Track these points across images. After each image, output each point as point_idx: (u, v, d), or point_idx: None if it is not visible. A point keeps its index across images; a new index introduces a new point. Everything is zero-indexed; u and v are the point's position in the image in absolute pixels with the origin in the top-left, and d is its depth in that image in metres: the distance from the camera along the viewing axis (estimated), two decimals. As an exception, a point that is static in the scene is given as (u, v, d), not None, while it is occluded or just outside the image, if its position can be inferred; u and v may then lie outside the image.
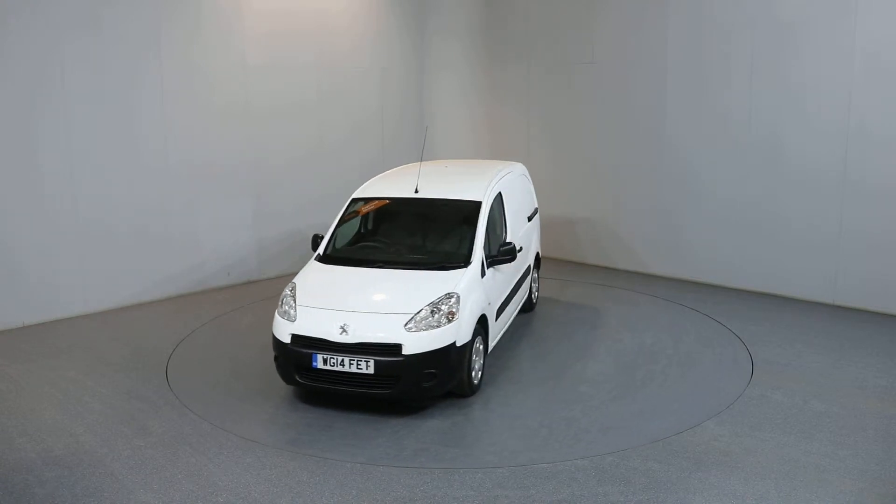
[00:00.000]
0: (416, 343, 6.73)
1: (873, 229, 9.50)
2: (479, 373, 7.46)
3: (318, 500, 5.64)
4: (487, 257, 7.75)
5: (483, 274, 7.61)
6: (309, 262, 8.05)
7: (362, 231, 8.57)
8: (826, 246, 9.90)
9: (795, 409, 7.04)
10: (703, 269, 11.13)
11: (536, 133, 12.78)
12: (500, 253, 7.91)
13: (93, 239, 9.91)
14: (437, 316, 6.87)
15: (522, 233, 9.15)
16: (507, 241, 8.19)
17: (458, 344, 6.91)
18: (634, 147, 11.56)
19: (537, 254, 10.11)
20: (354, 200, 8.59)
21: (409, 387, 6.78)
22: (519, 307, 9.19)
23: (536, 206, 10.26)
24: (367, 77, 12.72)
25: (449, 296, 7.03)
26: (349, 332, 6.81)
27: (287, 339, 7.04)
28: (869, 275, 9.62)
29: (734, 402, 7.20)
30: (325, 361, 6.84)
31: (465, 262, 7.53)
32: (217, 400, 7.44)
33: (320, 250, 8.13)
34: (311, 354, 6.88)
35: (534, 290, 9.98)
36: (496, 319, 7.91)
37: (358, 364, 6.75)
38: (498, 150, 13.17)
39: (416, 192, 8.33)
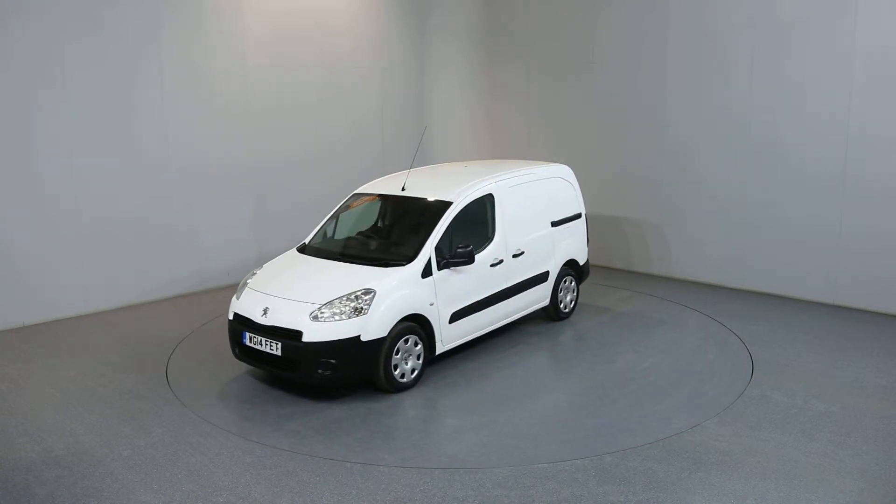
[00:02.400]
0: (315, 332, 7.04)
1: (873, 229, 9.51)
2: (415, 371, 7.58)
3: (318, 500, 5.64)
4: (442, 258, 7.77)
5: (427, 274, 7.63)
6: (288, 251, 8.56)
7: (348, 225, 8.84)
8: (826, 246, 9.90)
9: (795, 409, 7.04)
10: (703, 269, 11.14)
11: (536, 133, 12.78)
12: (455, 255, 7.80)
13: (93, 239, 9.91)
14: (343, 309, 7.10)
15: (534, 237, 8.87)
16: (464, 243, 7.85)
17: (363, 338, 7.09)
18: (634, 147, 11.56)
19: (572, 261, 9.55)
20: (355, 195, 8.98)
21: (307, 372, 7.12)
22: (519, 313, 8.90)
23: (580, 211, 9.69)
24: (367, 77, 12.72)
25: (365, 291, 7.23)
26: (268, 315, 7.33)
27: (231, 317, 7.77)
28: (869, 275, 9.62)
29: (734, 402, 7.20)
30: (250, 339, 7.45)
31: (410, 260, 7.64)
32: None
33: (307, 240, 8.59)
34: (242, 332, 7.52)
35: (564, 298, 9.53)
36: (450, 322, 7.86)
37: (270, 345, 7.26)
38: (498, 150, 13.17)
39: (403, 189, 8.53)
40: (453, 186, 8.36)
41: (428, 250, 7.70)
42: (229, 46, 10.96)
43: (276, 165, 11.66)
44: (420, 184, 8.65)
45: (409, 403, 7.34)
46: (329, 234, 8.70)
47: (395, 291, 7.36)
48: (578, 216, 9.70)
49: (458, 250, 7.80)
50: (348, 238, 8.67)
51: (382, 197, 8.79)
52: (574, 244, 9.61)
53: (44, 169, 9.45)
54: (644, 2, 11.20)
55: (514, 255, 8.59)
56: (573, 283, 9.71)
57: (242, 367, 8.17)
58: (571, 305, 9.74)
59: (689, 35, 10.80)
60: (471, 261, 7.87)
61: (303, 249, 8.46)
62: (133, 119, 10.12)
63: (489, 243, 8.33)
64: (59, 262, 9.68)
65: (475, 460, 6.20)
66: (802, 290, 10.19)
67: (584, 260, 9.88)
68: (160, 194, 10.48)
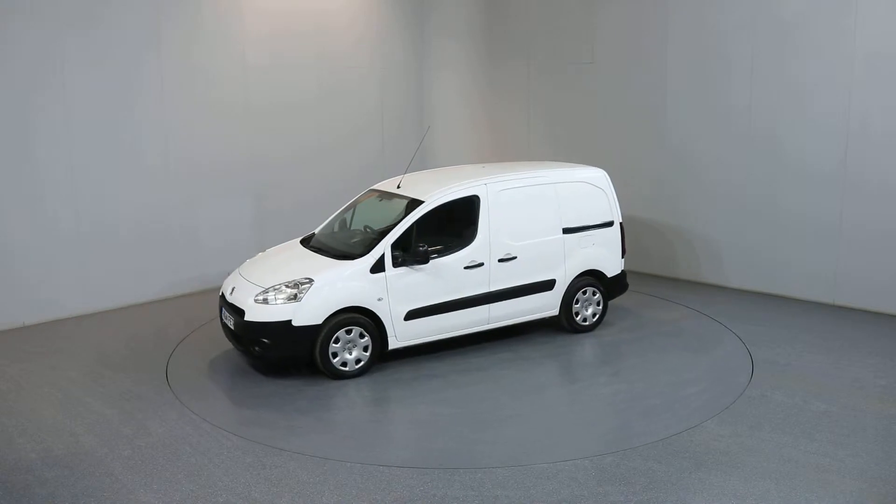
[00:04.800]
0: (254, 312, 7.69)
1: (873, 230, 9.50)
2: (361, 362, 7.86)
3: (318, 500, 5.65)
4: (400, 256, 7.89)
5: (379, 270, 7.84)
6: (291, 241, 9.08)
7: (348, 218, 9.01)
8: (826, 246, 9.90)
9: (795, 409, 7.04)
10: (704, 269, 11.14)
11: (537, 132, 12.78)
12: (411, 254, 7.89)
13: (93, 238, 9.91)
14: (282, 294, 7.67)
15: (531, 243, 8.57)
16: (421, 244, 7.90)
17: (294, 323, 7.56)
18: (635, 147, 11.55)
19: (595, 272, 9.06)
20: (369, 191, 9.24)
21: (246, 348, 7.86)
22: (509, 320, 8.63)
23: (611, 219, 9.13)
24: (367, 77, 12.71)
25: (305, 280, 7.73)
26: (233, 294, 8.10)
27: (220, 293, 8.51)
28: (869, 275, 9.62)
29: (734, 402, 7.20)
30: (223, 314, 8.21)
31: (364, 254, 7.95)
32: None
33: (316, 231, 9.02)
34: (221, 307, 8.30)
35: (583, 311, 9.04)
36: (406, 319, 7.96)
37: (230, 321, 7.99)
38: (498, 150, 13.17)
39: (399, 187, 8.73)
40: (436, 187, 8.41)
41: (383, 247, 7.90)
42: (229, 46, 10.95)
43: (276, 165, 11.66)
44: (415, 183, 8.77)
45: (337, 391, 7.58)
46: (331, 226, 8.99)
47: (335, 283, 7.75)
48: (609, 224, 9.15)
49: (419, 249, 7.90)
50: (339, 231, 8.88)
51: (381, 193, 8.98)
52: (598, 254, 9.06)
53: (43, 169, 9.45)
54: (644, 2, 11.20)
55: (501, 260, 8.40)
56: (597, 295, 9.13)
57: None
58: (594, 319, 9.16)
59: (690, 35, 10.80)
60: (424, 261, 7.93)
61: (305, 239, 8.86)
62: (133, 119, 10.12)
63: (468, 245, 8.26)
64: (59, 262, 9.68)
65: (334, 452, 6.33)
66: (802, 289, 10.19)
67: (616, 272, 9.26)
68: (160, 194, 10.48)
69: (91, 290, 9.98)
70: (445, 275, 8.13)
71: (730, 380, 7.71)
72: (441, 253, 8.12)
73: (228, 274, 8.75)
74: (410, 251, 7.91)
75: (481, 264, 8.31)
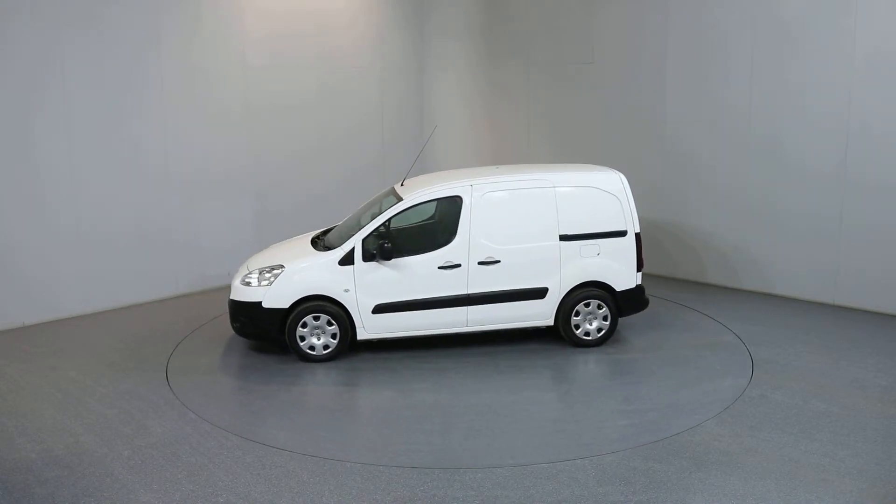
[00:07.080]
0: (236, 292, 8.42)
1: (873, 229, 9.50)
2: (329, 349, 8.26)
3: (318, 500, 5.65)
4: (370, 251, 8.16)
5: (348, 263, 8.16)
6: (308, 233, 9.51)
7: (375, 213, 9.10)
8: (826, 246, 9.90)
9: (795, 409, 7.04)
10: (703, 268, 11.14)
11: (537, 132, 12.78)
12: (377, 250, 8.13)
13: (93, 239, 9.91)
14: (259, 279, 8.30)
15: (519, 248, 8.24)
16: (387, 243, 8.06)
17: (264, 305, 8.15)
18: (635, 147, 11.55)
19: (602, 284, 8.44)
20: (390, 188, 9.32)
21: (231, 324, 8.53)
22: (493, 325, 8.40)
23: (624, 228, 8.45)
24: (367, 77, 12.71)
25: (277, 266, 8.34)
26: (235, 275, 8.79)
27: None
28: (869, 274, 9.62)
29: (734, 402, 7.20)
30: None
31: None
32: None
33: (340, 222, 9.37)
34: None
35: (586, 324, 8.51)
36: (374, 312, 8.18)
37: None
38: (498, 150, 13.17)
39: (402, 185, 8.93)
40: (427, 186, 8.48)
41: (354, 241, 8.22)
42: (229, 46, 10.95)
43: (276, 165, 11.66)
44: (415, 182, 8.89)
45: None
46: (354, 218, 9.09)
47: (303, 272, 8.25)
48: (622, 234, 8.48)
49: (383, 246, 8.09)
50: (340, 226, 9.06)
51: (390, 191, 9.09)
52: (604, 265, 8.43)
53: (44, 169, 9.45)
54: (644, 2, 11.21)
55: (482, 263, 8.21)
56: (604, 309, 8.50)
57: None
58: (599, 334, 8.55)
59: (690, 35, 10.80)
60: (385, 258, 8.09)
61: (325, 231, 9.29)
62: (133, 119, 10.12)
63: (444, 246, 8.22)
64: (59, 263, 9.68)
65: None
66: (802, 289, 10.19)
67: (629, 286, 8.54)
68: (160, 194, 10.48)
69: (91, 290, 9.98)
70: (416, 273, 8.20)
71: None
72: (413, 251, 8.22)
73: (229, 272, 8.93)
74: (378, 247, 8.11)
75: (458, 265, 8.22)
